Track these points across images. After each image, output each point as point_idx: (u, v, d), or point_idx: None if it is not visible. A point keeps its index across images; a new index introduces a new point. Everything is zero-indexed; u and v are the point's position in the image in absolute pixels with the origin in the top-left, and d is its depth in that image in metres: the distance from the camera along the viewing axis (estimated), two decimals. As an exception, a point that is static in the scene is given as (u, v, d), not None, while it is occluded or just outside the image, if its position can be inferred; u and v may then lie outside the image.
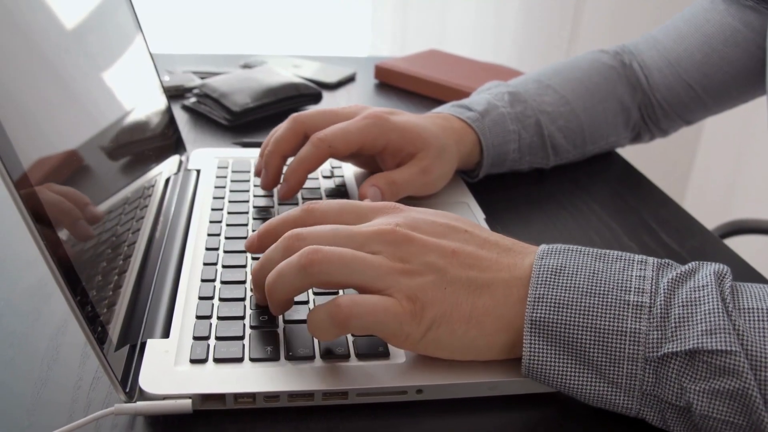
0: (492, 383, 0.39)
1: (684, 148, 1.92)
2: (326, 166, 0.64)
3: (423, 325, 0.37)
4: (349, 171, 0.63)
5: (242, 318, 0.42)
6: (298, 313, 0.43)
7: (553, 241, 0.46)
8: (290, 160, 0.56)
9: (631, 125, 0.72)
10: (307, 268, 0.37)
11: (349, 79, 0.95)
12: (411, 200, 0.58)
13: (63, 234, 0.34)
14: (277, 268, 0.38)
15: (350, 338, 0.41)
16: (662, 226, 0.61)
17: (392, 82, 0.94)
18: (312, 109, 0.56)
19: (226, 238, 0.51)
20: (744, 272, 0.54)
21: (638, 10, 1.76)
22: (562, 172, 0.69)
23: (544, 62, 0.74)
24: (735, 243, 0.69)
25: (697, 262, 0.38)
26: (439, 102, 0.85)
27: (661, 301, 0.36)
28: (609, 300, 0.37)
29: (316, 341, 0.40)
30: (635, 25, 1.74)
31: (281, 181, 0.55)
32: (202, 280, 0.46)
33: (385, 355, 0.40)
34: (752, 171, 1.71)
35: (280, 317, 0.42)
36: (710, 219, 0.81)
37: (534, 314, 0.37)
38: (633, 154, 0.89)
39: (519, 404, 0.40)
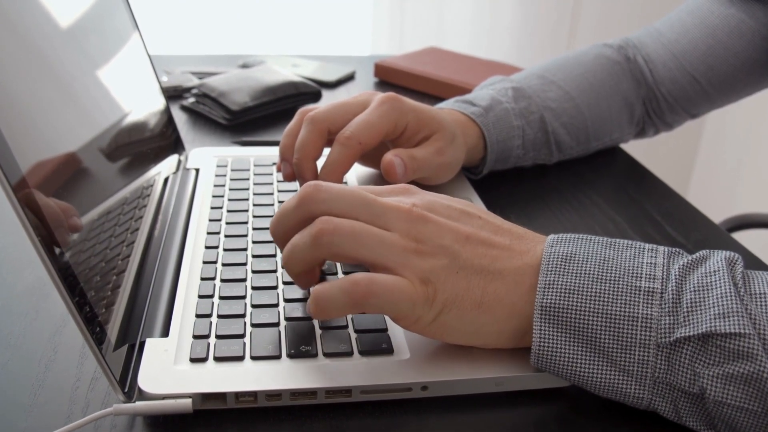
0: (498, 379, 0.38)
1: (687, 143, 1.91)
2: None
3: (434, 308, 0.37)
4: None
5: (243, 316, 0.41)
6: (299, 310, 0.42)
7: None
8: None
9: (635, 121, 0.71)
10: (317, 238, 0.37)
11: (349, 78, 0.95)
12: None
13: (61, 236, 0.34)
14: (290, 241, 0.38)
15: (353, 335, 0.40)
16: (667, 219, 0.60)
17: (392, 80, 0.93)
18: (320, 105, 0.54)
19: (226, 236, 0.50)
20: (752, 265, 0.53)
21: (638, 4, 1.75)
22: (565, 166, 0.68)
23: (543, 58, 0.73)
24: (740, 237, 0.69)
25: (707, 250, 0.38)
26: (439, 99, 0.85)
27: (672, 286, 0.36)
28: (620, 286, 0.36)
29: (318, 338, 0.40)
30: (636, 19, 1.73)
31: None
32: (202, 279, 0.45)
33: (389, 351, 0.39)
34: (756, 165, 1.70)
35: (281, 315, 0.42)
36: (714, 213, 0.80)
37: (544, 300, 0.37)
38: (635, 148, 0.88)
39: (526, 400, 0.39)
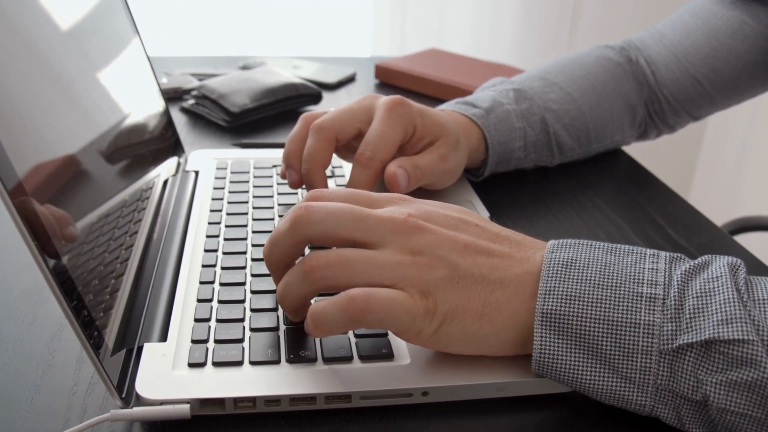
0: (500, 384, 0.38)
1: (688, 145, 1.91)
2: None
3: (436, 320, 0.36)
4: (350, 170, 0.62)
5: (242, 320, 0.41)
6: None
7: (558, 239, 0.45)
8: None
9: (637, 123, 0.71)
10: (309, 275, 0.36)
11: (349, 80, 0.95)
12: (418, 196, 0.56)
13: (57, 241, 0.33)
14: (283, 279, 0.38)
15: (353, 339, 0.40)
16: (669, 222, 0.60)
17: (393, 82, 0.93)
18: (326, 111, 0.53)
19: (225, 239, 0.50)
20: (754, 268, 0.53)
21: (639, 5, 1.75)
22: (566, 169, 0.68)
23: (545, 60, 0.73)
24: (741, 240, 0.68)
25: (709, 256, 0.38)
26: (440, 101, 0.84)
27: (674, 292, 0.35)
28: (621, 292, 0.36)
29: (318, 343, 0.39)
30: (637, 20, 1.73)
31: None
32: (201, 282, 0.45)
33: (389, 356, 0.39)
34: (757, 167, 1.69)
35: (281, 320, 0.41)
36: (715, 216, 0.80)
37: (545, 307, 0.36)
38: (637, 150, 0.88)
39: (528, 406, 0.38)
